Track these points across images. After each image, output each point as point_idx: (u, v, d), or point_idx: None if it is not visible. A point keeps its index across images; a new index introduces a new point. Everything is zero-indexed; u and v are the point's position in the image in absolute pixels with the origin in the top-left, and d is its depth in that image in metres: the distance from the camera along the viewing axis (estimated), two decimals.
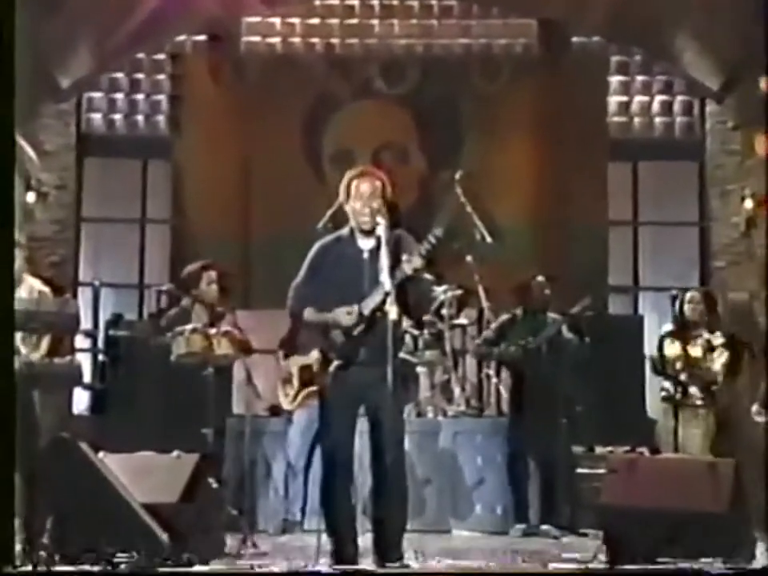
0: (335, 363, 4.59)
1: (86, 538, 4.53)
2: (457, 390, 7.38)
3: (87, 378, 8.36)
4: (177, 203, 9.40)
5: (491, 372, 7.67)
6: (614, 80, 9.55)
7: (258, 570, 4.86)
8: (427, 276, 4.85)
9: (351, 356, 4.58)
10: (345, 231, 4.79)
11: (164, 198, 9.49)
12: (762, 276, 7.74)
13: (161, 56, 9.56)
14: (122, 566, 4.38)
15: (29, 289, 5.39)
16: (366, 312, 4.57)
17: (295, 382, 6.27)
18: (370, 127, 9.32)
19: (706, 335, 6.59)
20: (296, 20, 9.39)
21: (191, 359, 6.16)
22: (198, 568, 4.55)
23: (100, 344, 8.69)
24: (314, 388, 5.13)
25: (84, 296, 8.88)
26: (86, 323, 8.41)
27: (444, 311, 7.37)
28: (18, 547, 4.34)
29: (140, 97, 9.57)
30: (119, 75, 9.51)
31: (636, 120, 9.55)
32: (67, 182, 9.18)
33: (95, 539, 4.51)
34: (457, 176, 7.72)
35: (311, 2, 9.39)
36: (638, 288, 9.51)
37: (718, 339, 6.58)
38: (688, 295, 6.75)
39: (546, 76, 9.32)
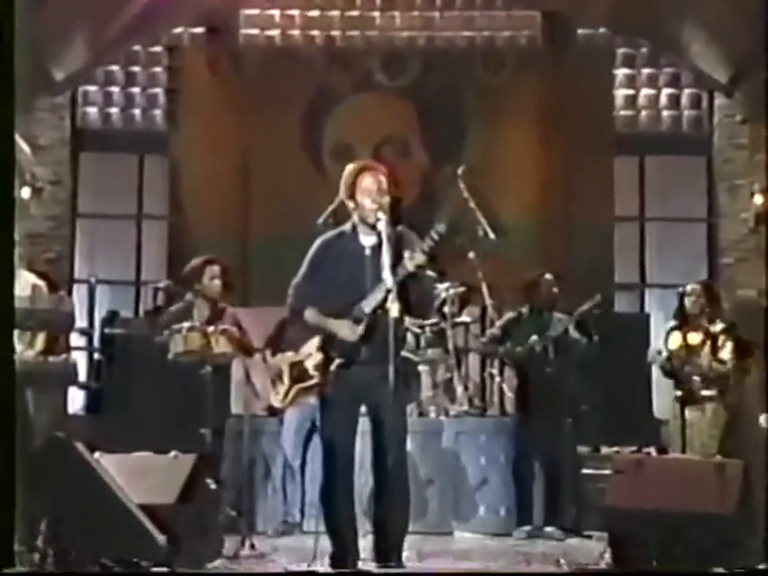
0: (337, 362, 4.59)
1: (82, 540, 4.53)
2: (459, 389, 7.38)
3: (83, 376, 8.36)
4: (174, 199, 9.39)
5: (494, 371, 7.67)
6: (620, 73, 9.54)
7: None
8: (429, 273, 4.84)
9: (353, 354, 4.58)
10: (347, 227, 4.78)
11: (161, 193, 9.49)
12: None
13: (157, 48, 9.54)
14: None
15: (24, 285, 5.39)
16: (368, 310, 4.56)
17: (285, 379, 6.27)
18: (371, 121, 9.31)
19: (705, 324, 6.59)
20: (295, 12, 9.37)
21: (189, 358, 6.16)
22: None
23: (96, 342, 8.68)
24: (305, 384, 5.13)
25: (79, 293, 8.88)
26: (81, 321, 8.41)
27: (446, 309, 7.37)
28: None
29: (136, 90, 9.56)
30: (115, 68, 9.50)
31: (642, 113, 9.54)
32: (62, 177, 9.18)
33: (91, 541, 4.51)
34: (459, 171, 7.72)
35: None
36: (644, 285, 9.50)
37: (717, 326, 6.58)
38: (689, 288, 6.76)
39: (550, 69, 9.31)
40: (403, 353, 4.92)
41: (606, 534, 5.22)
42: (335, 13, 9.36)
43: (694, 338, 6.58)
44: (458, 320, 7.55)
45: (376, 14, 9.39)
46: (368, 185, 4.66)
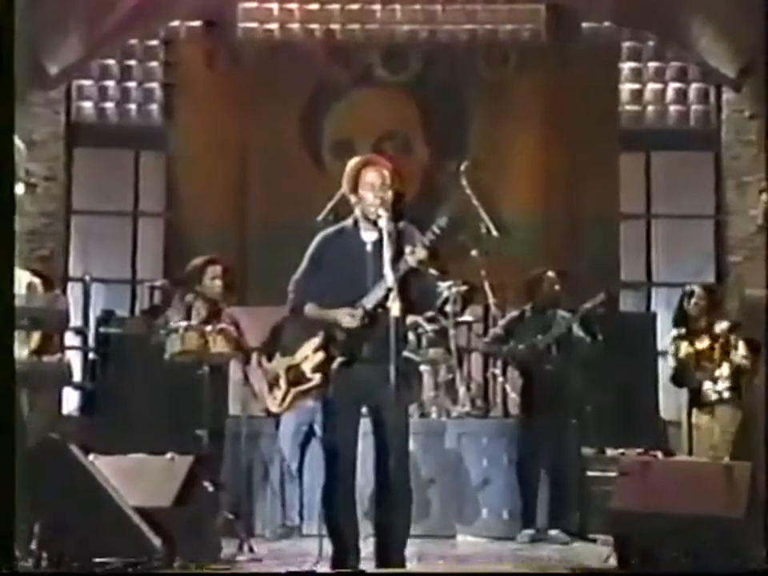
0: (338, 360, 4.57)
1: (76, 543, 4.52)
2: (462, 390, 7.37)
3: (77, 377, 8.36)
4: (171, 195, 9.39)
5: (497, 371, 7.65)
6: (626, 67, 9.53)
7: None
8: (431, 271, 4.83)
9: (354, 353, 4.57)
10: (349, 222, 4.77)
11: (157, 189, 9.48)
12: None
13: (154, 42, 9.54)
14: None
15: (18, 282, 5.37)
16: (369, 307, 4.55)
17: (282, 383, 6.27)
18: (372, 116, 9.30)
19: (707, 326, 6.59)
20: (294, 5, 9.37)
21: (186, 357, 6.15)
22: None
23: (90, 342, 8.68)
24: (302, 387, 5.12)
25: (74, 292, 8.88)
26: (76, 320, 8.41)
27: (448, 308, 7.36)
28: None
29: (132, 84, 9.56)
30: (110, 62, 9.49)
31: (649, 108, 9.53)
32: (56, 173, 9.17)
33: (85, 545, 4.50)
34: (462, 167, 7.71)
35: None
36: (650, 284, 9.49)
37: (722, 325, 6.58)
38: (690, 290, 6.77)
39: (554, 63, 9.30)
40: (404, 353, 4.90)
41: (611, 538, 5.21)
42: (335, 6, 9.35)
43: (702, 342, 6.57)
44: (461, 319, 7.54)
45: (377, 6, 9.39)
46: (371, 179, 4.66)
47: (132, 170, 9.51)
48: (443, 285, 7.20)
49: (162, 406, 6.62)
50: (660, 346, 8.29)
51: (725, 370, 6.53)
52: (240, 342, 6.36)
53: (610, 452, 7.14)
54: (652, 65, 9.54)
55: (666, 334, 7.84)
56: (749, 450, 6.07)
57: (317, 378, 4.75)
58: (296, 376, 5.56)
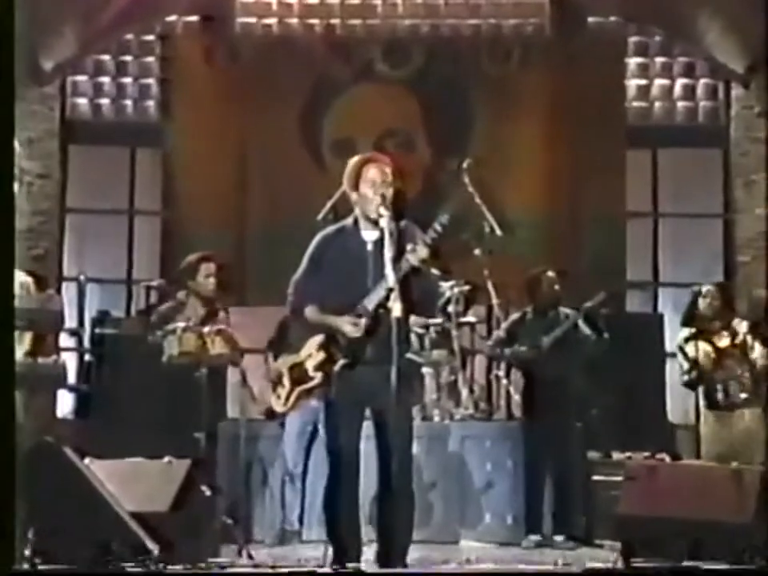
0: (340, 362, 4.58)
1: (71, 549, 4.52)
2: (464, 392, 7.37)
3: (72, 378, 8.36)
4: (167, 193, 9.39)
5: (501, 373, 7.66)
6: (633, 62, 9.53)
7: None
8: (433, 271, 4.83)
9: (356, 355, 4.57)
10: (349, 221, 4.78)
11: (154, 187, 9.48)
12: None
13: (150, 37, 9.54)
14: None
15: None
16: (370, 307, 4.55)
17: (286, 382, 6.27)
18: (373, 113, 9.30)
19: (721, 326, 6.57)
20: None
21: (184, 359, 6.15)
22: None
23: (86, 343, 8.68)
24: (306, 386, 5.13)
25: (68, 292, 8.88)
26: (70, 321, 8.40)
27: (451, 308, 7.36)
28: None
29: (128, 80, 9.56)
30: (106, 57, 9.50)
31: (656, 104, 9.53)
32: (51, 171, 9.17)
33: (81, 550, 4.50)
34: (465, 165, 7.71)
35: None
36: (657, 284, 9.50)
37: (742, 326, 6.57)
38: (703, 289, 6.76)
39: (559, 58, 9.30)
40: (407, 354, 4.90)
41: (618, 544, 5.21)
42: (335, 0, 9.35)
43: (723, 341, 6.56)
44: (464, 320, 7.54)
45: (377, 1, 9.39)
46: (372, 176, 4.66)
47: (128, 167, 9.51)
48: (445, 285, 7.20)
49: (159, 408, 6.62)
50: (668, 348, 8.29)
51: (749, 370, 6.52)
52: (238, 343, 6.36)
53: (616, 456, 7.14)
54: (659, 60, 9.54)
55: (673, 334, 7.84)
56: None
57: (319, 376, 4.75)
58: (300, 374, 5.57)
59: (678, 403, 8.36)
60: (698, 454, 6.41)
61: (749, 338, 6.55)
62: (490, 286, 7.47)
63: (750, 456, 6.21)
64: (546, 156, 9.25)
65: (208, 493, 5.51)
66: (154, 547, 4.61)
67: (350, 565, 4.55)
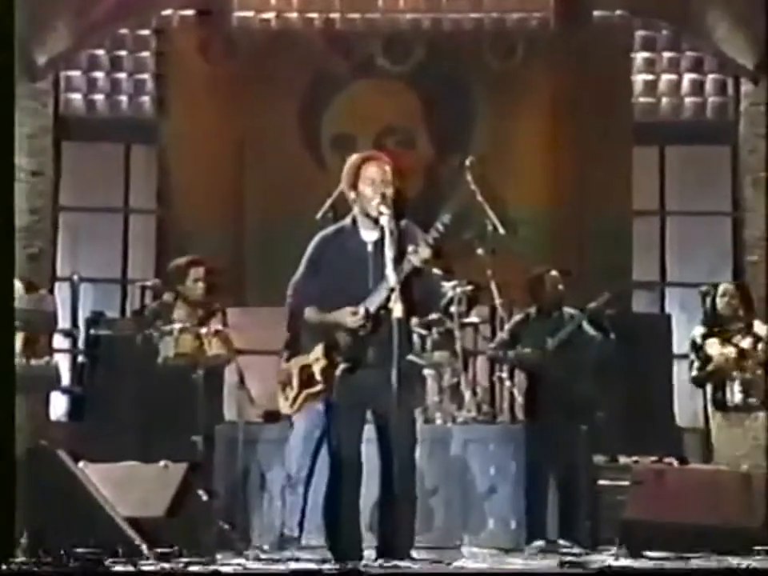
0: (342, 366, 4.57)
1: (65, 555, 4.52)
2: (467, 395, 7.36)
3: (66, 380, 8.36)
4: (163, 191, 9.39)
5: (504, 375, 7.65)
6: (639, 57, 9.54)
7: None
8: (435, 270, 4.83)
9: (358, 357, 4.57)
10: (347, 221, 4.78)
11: (149, 185, 9.49)
12: None
13: (145, 31, 9.55)
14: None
15: None
16: (372, 309, 4.56)
17: (295, 383, 6.28)
18: (373, 109, 9.30)
19: (742, 326, 6.57)
20: None
21: (181, 361, 6.15)
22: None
23: (80, 344, 8.69)
24: (313, 390, 5.14)
25: (62, 292, 8.88)
26: (64, 321, 8.42)
27: (453, 309, 7.35)
28: None
29: (123, 76, 9.56)
30: (100, 52, 9.50)
31: (663, 100, 9.53)
32: (44, 168, 9.17)
33: (74, 556, 4.50)
34: (467, 162, 7.69)
35: None
36: (664, 284, 9.50)
37: (763, 329, 6.57)
38: (721, 288, 6.75)
39: (563, 53, 9.30)
40: (409, 356, 4.90)
41: (624, 550, 5.20)
42: None
43: (745, 341, 6.56)
44: (466, 321, 7.53)
45: None
46: (371, 174, 4.66)
47: (122, 164, 9.52)
48: (447, 285, 7.20)
49: (155, 411, 6.61)
50: (676, 349, 8.29)
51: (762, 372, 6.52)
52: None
53: (622, 459, 7.16)
54: (666, 55, 9.55)
55: (681, 335, 7.84)
56: None
57: (323, 380, 4.76)
58: (308, 377, 5.58)
59: (686, 405, 8.35)
60: (707, 458, 6.40)
61: None
62: (492, 285, 7.46)
63: (762, 460, 6.20)
64: (551, 153, 9.25)
65: (205, 498, 5.51)
66: (149, 553, 4.61)
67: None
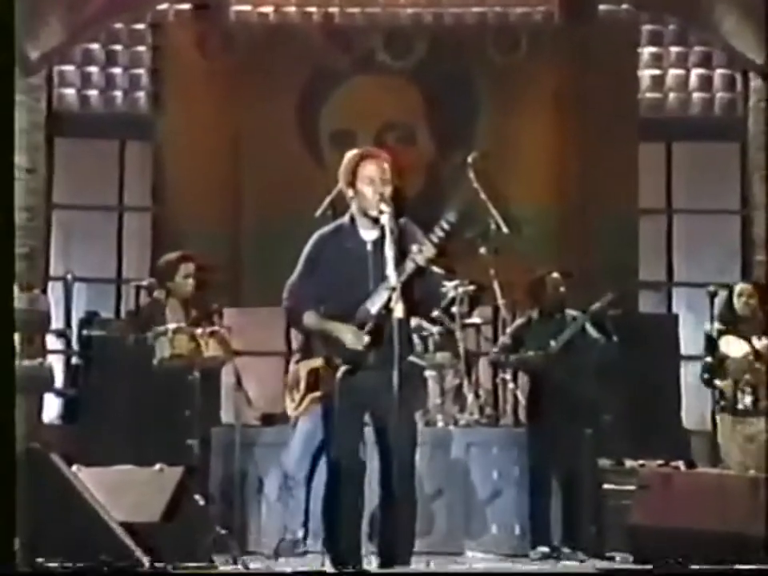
0: (343, 368, 4.57)
1: (58, 560, 4.53)
2: (470, 397, 7.37)
3: (59, 382, 8.37)
4: (158, 189, 9.40)
5: (507, 377, 7.66)
6: (646, 51, 9.54)
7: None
8: (437, 270, 4.83)
9: (359, 360, 4.57)
10: (345, 220, 4.77)
11: (144, 182, 9.49)
12: None
13: (141, 26, 9.55)
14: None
15: None
16: (374, 311, 4.55)
17: (302, 385, 6.30)
18: (373, 105, 9.30)
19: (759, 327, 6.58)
20: None
21: (177, 363, 6.15)
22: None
23: (73, 345, 8.69)
24: (316, 394, 5.16)
25: (55, 292, 8.89)
26: (57, 322, 8.43)
27: (455, 309, 7.36)
28: None
29: (117, 71, 9.57)
30: (95, 46, 9.50)
31: (670, 96, 9.53)
32: (37, 165, 9.17)
33: (68, 562, 4.51)
34: (469, 159, 7.71)
35: None
36: (672, 284, 9.50)
37: None
38: (738, 288, 6.76)
39: (568, 47, 9.31)
40: (410, 357, 4.90)
41: (629, 556, 5.21)
42: None
43: (761, 342, 6.56)
44: (468, 321, 7.54)
45: None
46: (370, 172, 4.65)
47: (117, 161, 9.52)
48: (449, 284, 7.20)
49: (150, 413, 6.63)
50: (683, 350, 8.30)
51: None
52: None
53: (628, 463, 7.15)
54: (674, 49, 9.54)
55: (689, 336, 7.84)
56: None
57: (325, 383, 4.76)
58: (313, 379, 5.60)
59: (694, 408, 8.36)
60: (715, 462, 6.40)
61: None
62: (495, 285, 7.47)
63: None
64: (555, 150, 9.26)
65: (201, 502, 5.51)
66: (144, 559, 4.62)
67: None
